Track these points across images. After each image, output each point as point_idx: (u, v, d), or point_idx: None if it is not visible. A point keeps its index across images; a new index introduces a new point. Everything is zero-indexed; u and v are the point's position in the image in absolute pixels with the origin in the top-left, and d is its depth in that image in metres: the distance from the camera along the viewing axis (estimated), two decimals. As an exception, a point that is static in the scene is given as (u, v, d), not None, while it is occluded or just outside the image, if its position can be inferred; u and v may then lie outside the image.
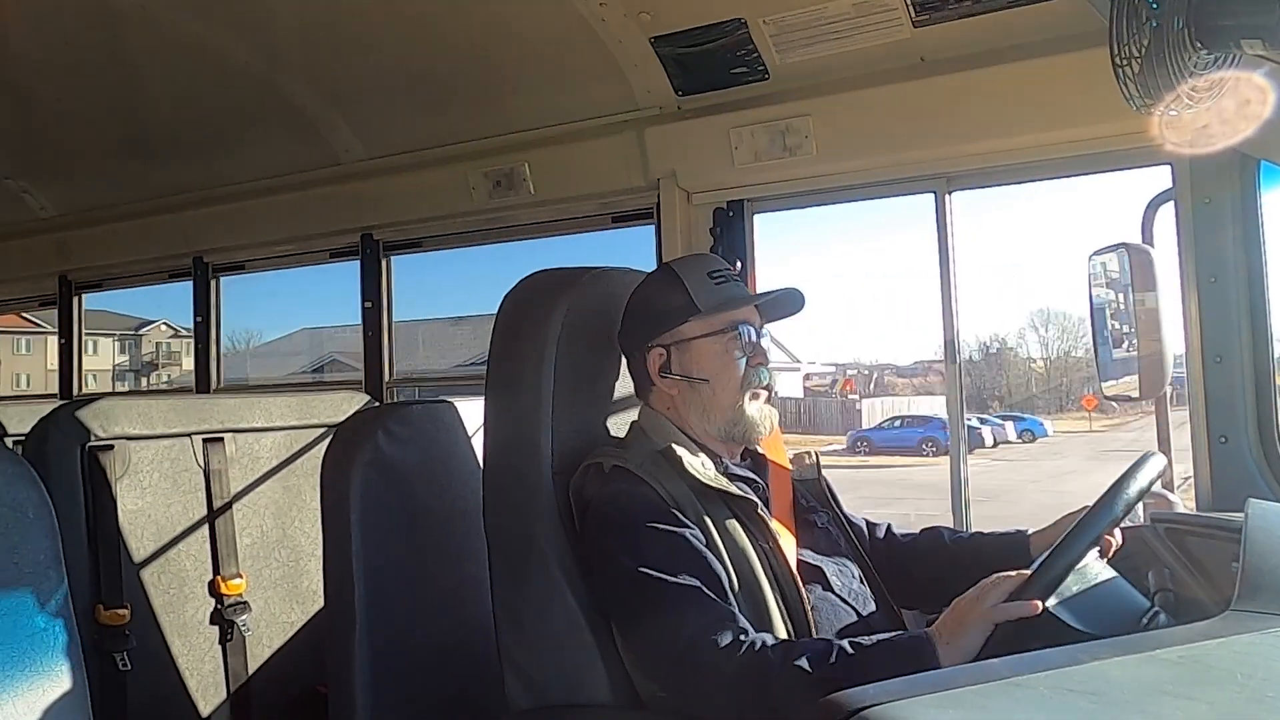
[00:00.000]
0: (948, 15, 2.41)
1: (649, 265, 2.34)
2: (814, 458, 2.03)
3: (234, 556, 2.72)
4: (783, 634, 1.64)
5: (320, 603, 2.28)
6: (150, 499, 2.58)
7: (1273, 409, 2.17)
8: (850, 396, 24.59)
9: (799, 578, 1.70)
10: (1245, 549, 1.44)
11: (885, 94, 2.55)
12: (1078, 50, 2.20)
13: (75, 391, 4.42)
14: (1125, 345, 2.09)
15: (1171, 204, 2.26)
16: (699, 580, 1.61)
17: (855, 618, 1.74)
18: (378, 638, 2.03)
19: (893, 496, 12.56)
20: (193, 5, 3.02)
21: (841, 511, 1.98)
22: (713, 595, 1.61)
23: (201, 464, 2.69)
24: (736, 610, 1.61)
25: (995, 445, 20.34)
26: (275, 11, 3.02)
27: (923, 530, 2.06)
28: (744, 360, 1.82)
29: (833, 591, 1.76)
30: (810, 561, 1.77)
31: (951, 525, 2.61)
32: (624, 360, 1.91)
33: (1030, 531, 1.92)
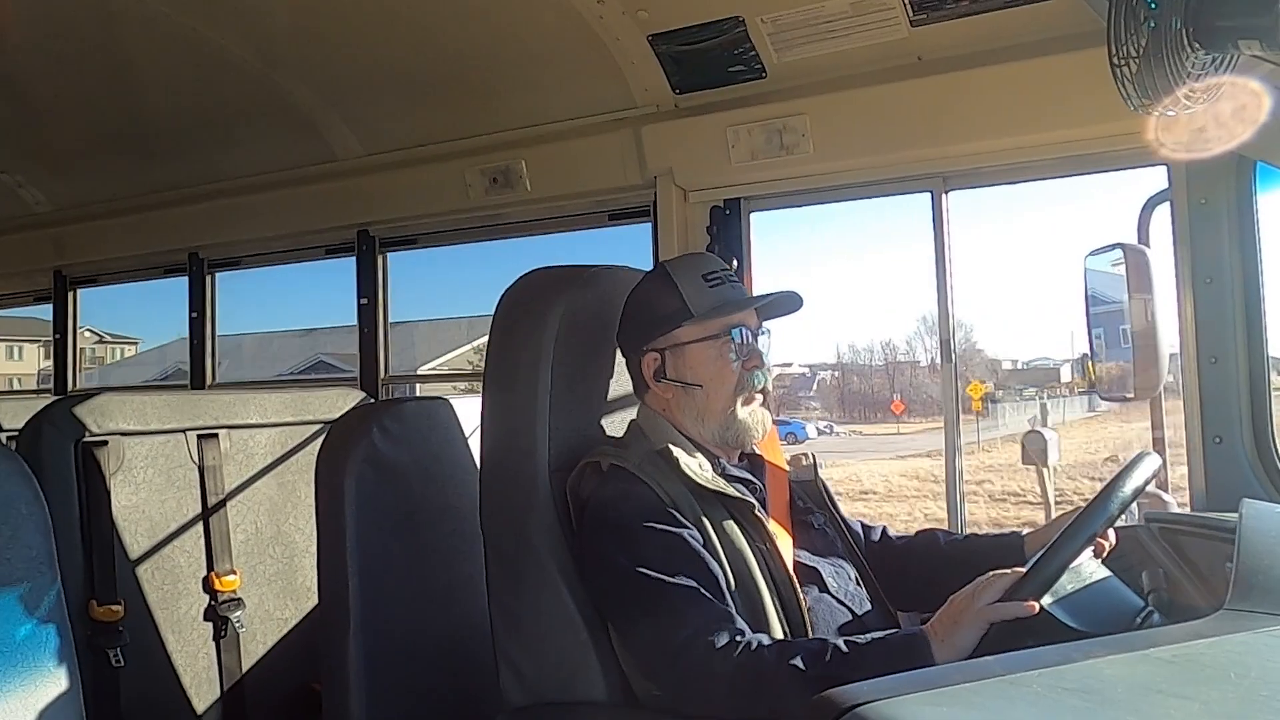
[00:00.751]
0: (945, 15, 2.41)
1: (645, 263, 2.35)
2: (811, 459, 2.03)
3: (228, 553, 2.71)
4: (779, 634, 1.65)
5: (315, 599, 2.28)
6: (144, 495, 2.58)
7: (1267, 410, 2.17)
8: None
9: (795, 578, 1.70)
10: (1239, 549, 1.44)
11: (882, 93, 2.55)
12: (1075, 50, 2.20)
13: (70, 387, 4.40)
14: (1120, 345, 2.09)
15: (1168, 205, 2.27)
16: (696, 580, 1.61)
17: (851, 618, 1.75)
18: (372, 634, 2.03)
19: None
20: (190, 1, 3.01)
21: (838, 513, 1.98)
22: (709, 595, 1.61)
23: (196, 460, 2.69)
24: (733, 610, 1.62)
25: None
26: (272, 7, 3.02)
27: (918, 532, 2.07)
28: (738, 365, 1.81)
29: (829, 592, 1.76)
30: (807, 562, 1.77)
31: (946, 521, 2.63)
32: (621, 359, 1.91)
33: (1025, 532, 1.92)
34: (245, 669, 2.72)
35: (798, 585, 1.70)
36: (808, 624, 1.67)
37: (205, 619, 2.66)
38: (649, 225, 2.96)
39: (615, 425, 1.93)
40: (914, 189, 2.64)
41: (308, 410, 2.91)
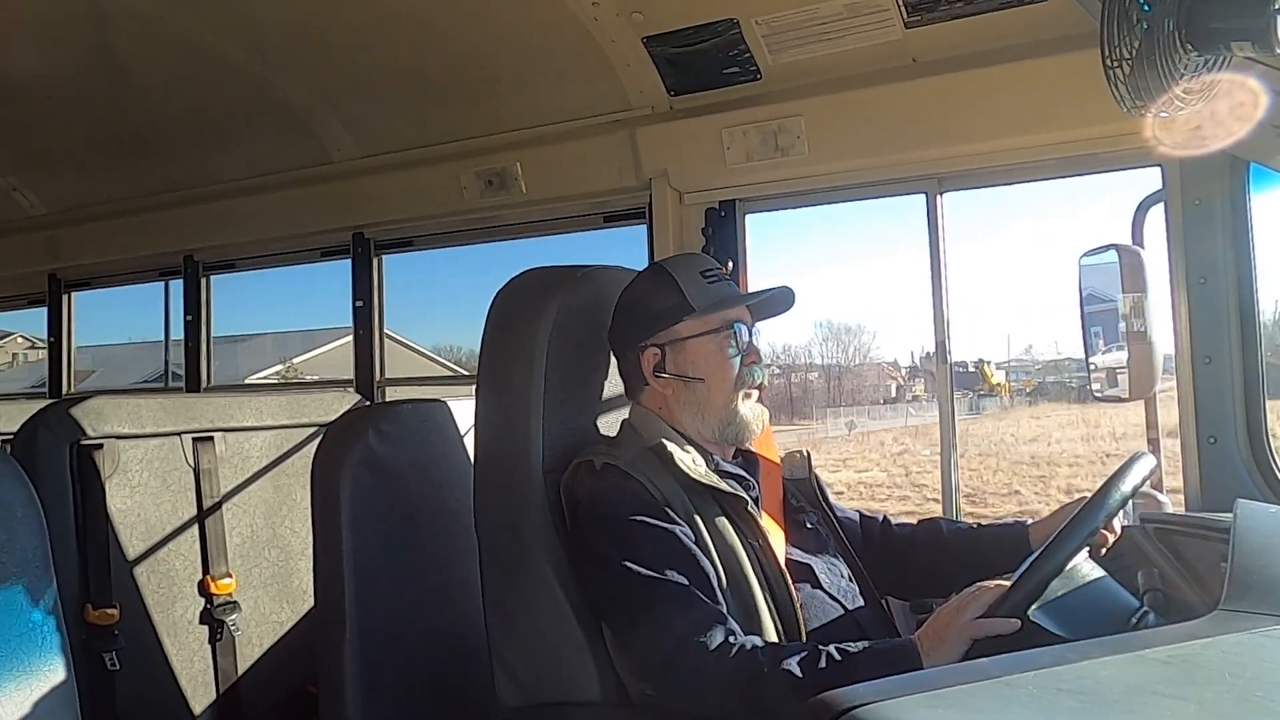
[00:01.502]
0: (939, 16, 2.41)
1: (641, 265, 2.34)
2: (805, 456, 2.04)
3: (224, 556, 2.71)
4: (771, 630, 1.65)
5: (310, 602, 2.28)
6: (140, 498, 2.57)
7: (1261, 410, 2.18)
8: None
9: (788, 574, 1.71)
10: (1234, 549, 1.44)
11: (877, 95, 2.55)
12: (1069, 52, 2.21)
13: (65, 390, 4.39)
14: (1114, 346, 2.09)
15: (1161, 205, 2.27)
16: (688, 578, 1.62)
17: (843, 614, 1.75)
18: (368, 637, 2.03)
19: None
20: (184, 3, 3.01)
21: (831, 510, 1.98)
22: (702, 595, 1.61)
23: (191, 463, 2.68)
24: (725, 610, 1.62)
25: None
26: (267, 10, 3.01)
27: (920, 521, 2.07)
28: (738, 359, 1.82)
29: (821, 589, 1.76)
30: (799, 559, 1.78)
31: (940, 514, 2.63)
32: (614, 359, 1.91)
33: (1029, 522, 1.93)
34: (241, 672, 2.71)
35: (790, 581, 1.70)
36: (800, 620, 1.67)
37: (201, 622, 2.66)
38: (644, 227, 2.96)
39: (609, 425, 1.93)
40: (909, 190, 2.65)
41: (303, 413, 2.91)
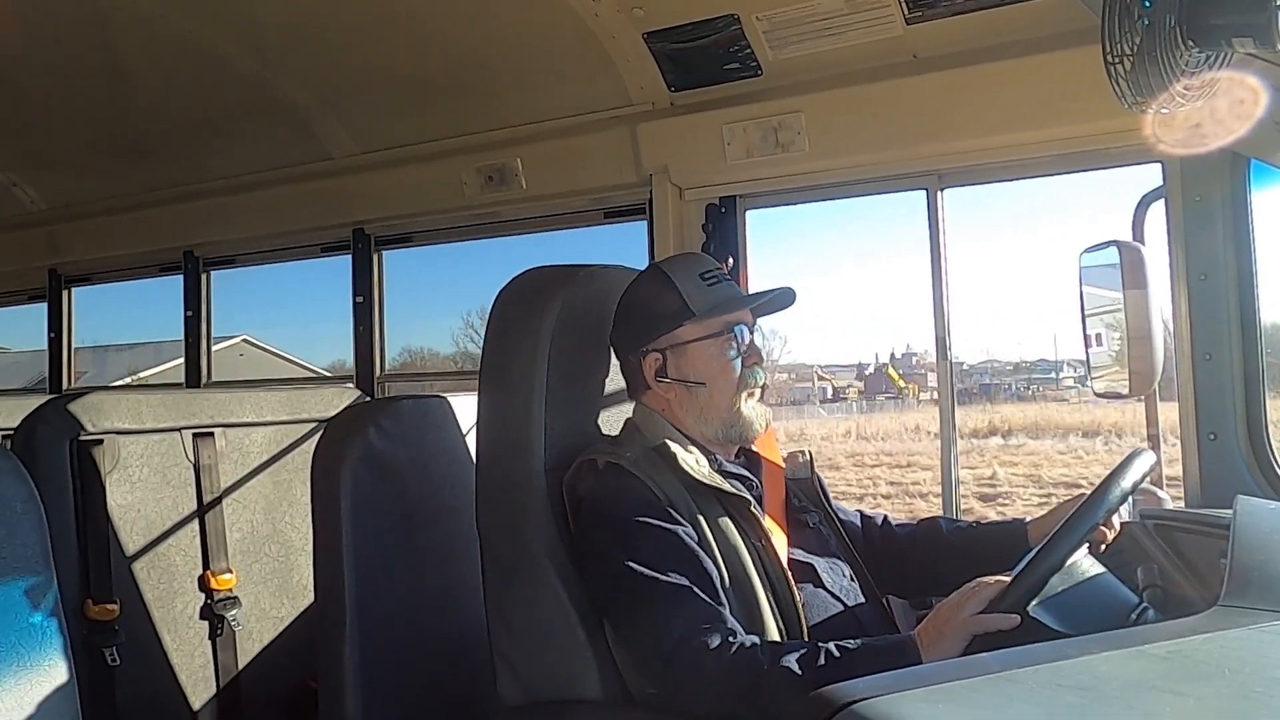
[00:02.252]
0: (940, 12, 2.41)
1: (641, 261, 2.35)
2: (807, 457, 2.04)
3: (224, 551, 2.71)
4: (773, 630, 1.65)
5: (311, 598, 2.28)
6: (140, 494, 2.57)
7: (1262, 406, 2.18)
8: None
9: (790, 574, 1.71)
10: (1233, 545, 1.44)
11: (878, 91, 2.55)
12: (1070, 48, 2.21)
13: (65, 385, 4.40)
14: (1115, 342, 2.10)
15: (1162, 202, 2.27)
16: (689, 578, 1.62)
17: (845, 614, 1.75)
18: (368, 633, 2.03)
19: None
20: (184, 1, 3.00)
21: (834, 511, 1.98)
22: (702, 594, 1.61)
23: (192, 459, 2.68)
24: (727, 609, 1.62)
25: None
26: (266, 7, 3.01)
27: (921, 521, 2.07)
28: (739, 361, 1.82)
29: (824, 588, 1.76)
30: (801, 559, 1.78)
31: (940, 511, 2.63)
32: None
33: (1028, 520, 1.93)
34: (241, 667, 2.72)
35: (792, 581, 1.70)
36: (802, 619, 1.67)
37: (201, 617, 2.66)
38: (645, 223, 2.96)
39: (611, 423, 1.93)
40: (909, 186, 2.64)
41: (303, 409, 2.91)
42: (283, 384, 3.62)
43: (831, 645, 1.53)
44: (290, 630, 2.82)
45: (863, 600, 1.81)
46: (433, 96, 3.17)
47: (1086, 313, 2.14)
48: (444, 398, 2.31)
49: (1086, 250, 2.12)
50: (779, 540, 1.76)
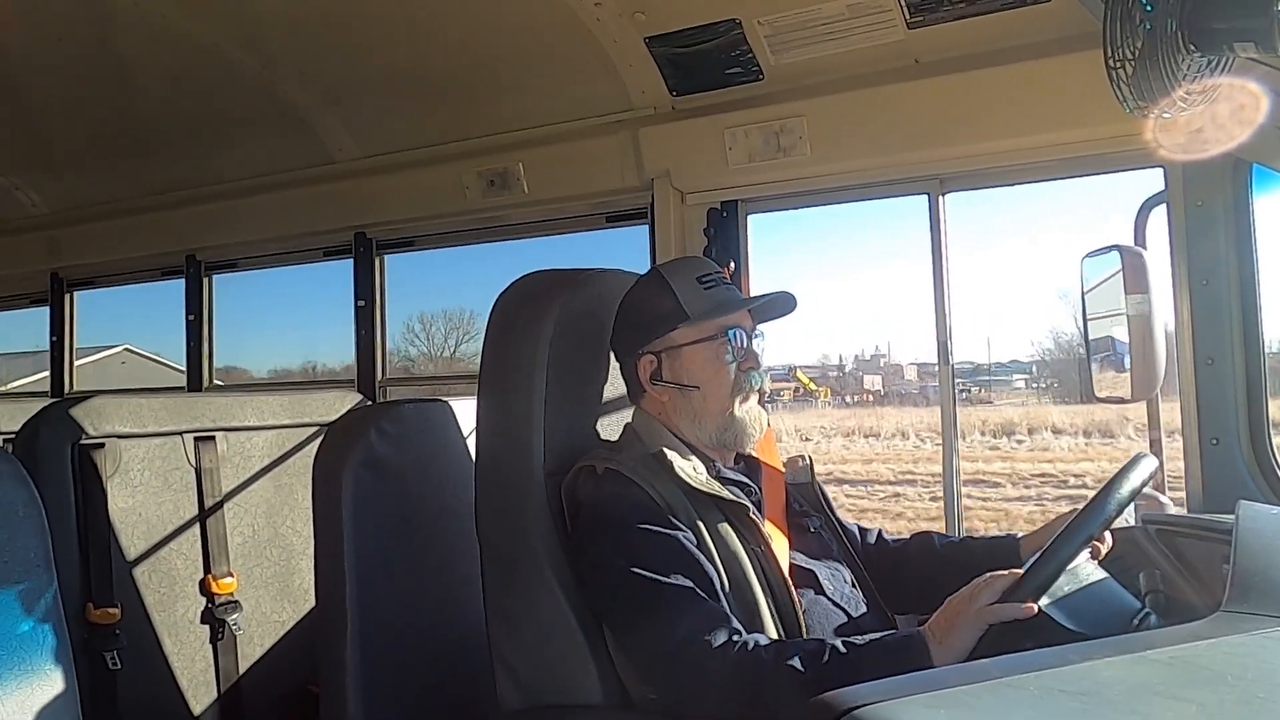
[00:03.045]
0: (942, 17, 2.41)
1: (643, 265, 2.34)
2: (807, 461, 2.03)
3: (225, 555, 2.71)
4: (774, 636, 1.64)
5: (312, 602, 2.27)
6: (141, 497, 2.57)
7: (1264, 411, 2.17)
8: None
9: (790, 581, 1.70)
10: (1236, 551, 1.44)
11: (879, 95, 2.55)
12: (1071, 53, 2.21)
13: (66, 389, 4.40)
14: (1116, 347, 2.09)
15: (1164, 207, 2.27)
16: (691, 581, 1.61)
17: (846, 620, 1.75)
18: (369, 637, 2.03)
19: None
20: (186, 2, 3.01)
21: (834, 516, 1.98)
22: (704, 596, 1.61)
23: (193, 462, 2.68)
24: (728, 611, 1.62)
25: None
26: (269, 9, 3.02)
27: (913, 535, 2.07)
28: (734, 365, 1.81)
29: (825, 595, 1.76)
30: (802, 565, 1.77)
31: (943, 520, 2.63)
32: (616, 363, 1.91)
33: (1020, 535, 1.93)
34: (242, 671, 2.71)
35: (792, 588, 1.69)
36: (802, 626, 1.67)
37: (202, 621, 2.66)
38: (646, 227, 2.96)
39: (611, 428, 1.93)
40: (911, 191, 2.65)
41: (305, 412, 2.91)
42: (284, 388, 3.62)
43: (838, 642, 1.52)
44: (291, 634, 2.82)
45: (864, 607, 1.80)
46: (435, 100, 3.17)
47: (1088, 317, 2.14)
48: (445, 401, 2.31)
49: (1088, 255, 2.12)
50: (780, 546, 1.76)
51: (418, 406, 2.29)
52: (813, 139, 2.64)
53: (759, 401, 1.86)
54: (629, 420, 1.90)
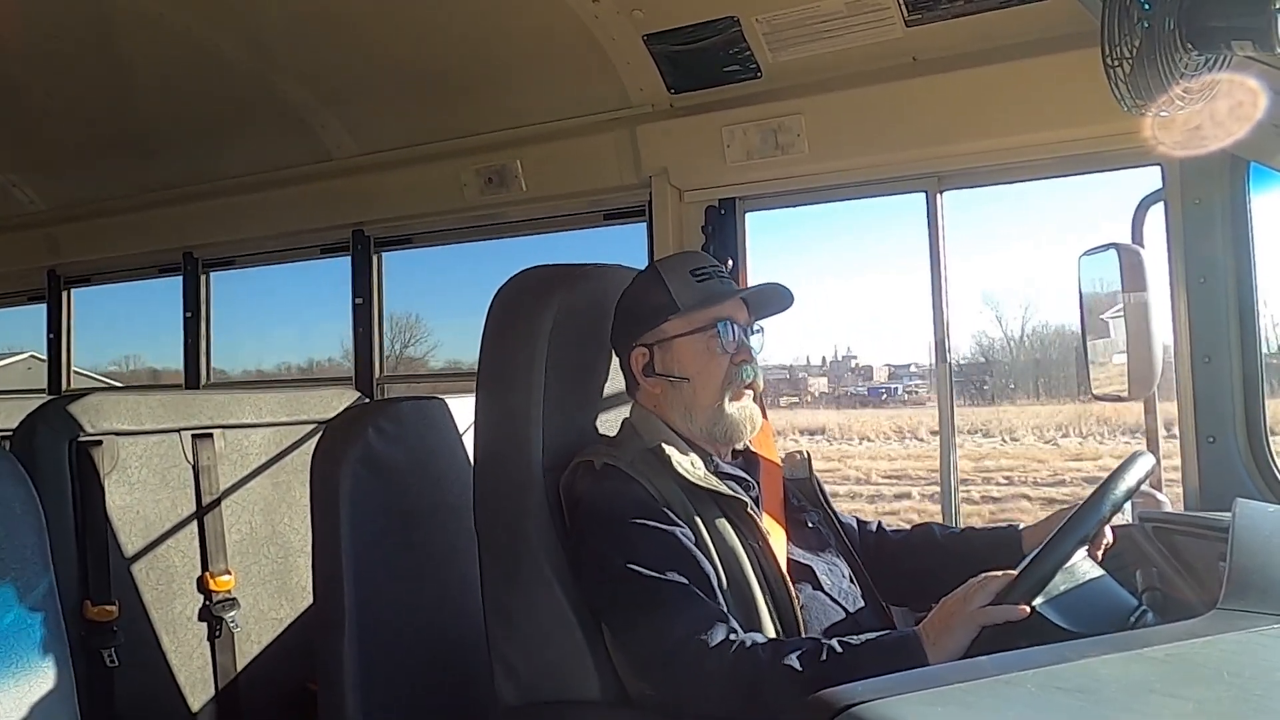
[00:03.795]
0: (940, 15, 2.41)
1: (641, 263, 2.34)
2: (805, 457, 2.03)
3: (223, 553, 2.71)
4: (771, 632, 1.65)
5: (309, 599, 2.27)
6: (139, 495, 2.57)
7: (1261, 409, 2.17)
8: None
9: (788, 576, 1.70)
10: (1232, 548, 1.45)
11: (877, 93, 2.55)
12: (1069, 51, 2.21)
13: (64, 387, 4.39)
14: (1114, 344, 2.09)
15: (1161, 204, 2.27)
16: (688, 578, 1.61)
17: (844, 616, 1.74)
18: (367, 634, 2.03)
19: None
20: (184, 0, 3.01)
21: (832, 511, 1.98)
22: (702, 594, 1.61)
23: (191, 460, 2.68)
24: (726, 609, 1.62)
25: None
26: (267, 6, 3.01)
27: (914, 527, 2.07)
28: (726, 358, 1.81)
29: (822, 590, 1.76)
30: (800, 560, 1.77)
31: (941, 517, 2.63)
32: (615, 358, 1.91)
33: (1021, 526, 1.93)
34: (240, 669, 2.71)
35: (790, 583, 1.69)
36: (800, 622, 1.67)
37: (200, 619, 2.66)
38: (644, 225, 2.96)
39: (609, 424, 1.93)
40: (909, 189, 2.64)
41: (303, 410, 2.91)
42: (282, 385, 3.61)
43: (834, 641, 1.53)
44: (289, 632, 2.82)
45: (862, 602, 1.80)
46: (433, 97, 3.17)
47: (1086, 315, 2.14)
48: (443, 399, 2.31)
49: (1086, 252, 2.12)
50: (778, 541, 1.76)
51: (416, 404, 2.29)
52: (811, 137, 2.64)
53: (754, 398, 1.85)
54: (627, 415, 1.90)
